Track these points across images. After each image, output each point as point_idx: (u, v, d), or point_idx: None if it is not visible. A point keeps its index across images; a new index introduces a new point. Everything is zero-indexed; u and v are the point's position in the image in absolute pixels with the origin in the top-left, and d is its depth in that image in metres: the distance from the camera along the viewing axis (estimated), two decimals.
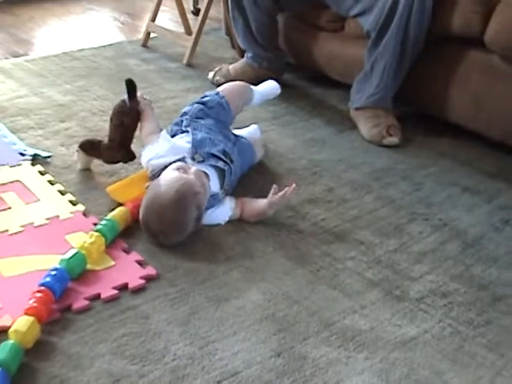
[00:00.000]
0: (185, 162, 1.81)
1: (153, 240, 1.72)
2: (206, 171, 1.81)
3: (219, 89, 2.17)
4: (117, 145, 1.94)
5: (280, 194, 1.81)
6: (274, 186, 1.83)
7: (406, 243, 1.80)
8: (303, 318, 1.51)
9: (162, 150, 1.84)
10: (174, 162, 1.80)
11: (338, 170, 2.16)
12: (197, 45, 3.00)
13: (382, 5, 2.28)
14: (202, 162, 1.83)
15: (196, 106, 2.04)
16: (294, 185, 1.83)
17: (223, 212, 1.83)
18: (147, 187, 1.77)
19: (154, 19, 3.17)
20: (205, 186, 1.74)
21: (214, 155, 1.85)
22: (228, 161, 1.87)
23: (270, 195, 1.82)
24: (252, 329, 1.46)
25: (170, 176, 1.73)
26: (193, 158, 1.83)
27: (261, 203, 1.85)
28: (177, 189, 1.68)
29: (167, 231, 1.70)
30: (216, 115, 2.02)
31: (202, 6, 3.01)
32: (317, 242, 1.78)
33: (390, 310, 1.55)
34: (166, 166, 1.79)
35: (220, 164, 1.85)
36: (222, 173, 1.85)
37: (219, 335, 1.44)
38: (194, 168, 1.76)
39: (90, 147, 2.00)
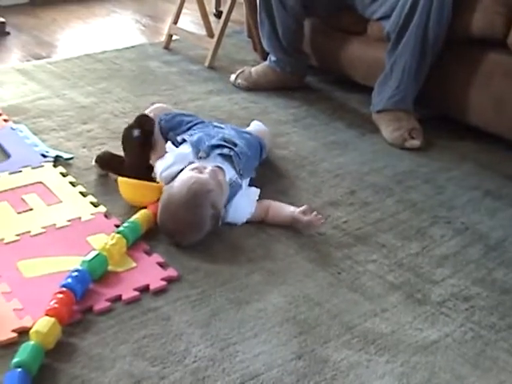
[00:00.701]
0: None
1: (170, 241, 1.73)
2: (220, 165, 1.81)
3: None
4: (136, 167, 1.94)
5: (306, 218, 1.79)
6: (306, 206, 1.82)
7: (427, 246, 1.79)
8: (324, 320, 1.50)
9: (169, 161, 1.85)
10: (185, 167, 1.80)
11: (359, 173, 2.16)
12: (219, 47, 3.00)
13: (401, 6, 2.28)
14: (208, 156, 1.83)
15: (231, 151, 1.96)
16: (321, 219, 1.82)
17: (248, 202, 1.83)
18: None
19: (176, 22, 3.18)
20: (221, 184, 1.75)
21: (215, 146, 1.86)
22: (231, 145, 1.87)
23: (298, 212, 1.81)
24: (273, 331, 1.46)
25: (183, 177, 1.75)
26: (199, 158, 1.83)
27: (286, 212, 1.84)
28: (189, 187, 1.69)
29: (183, 230, 1.71)
30: (196, 118, 2.07)
31: (224, 9, 3.01)
32: (338, 245, 1.78)
33: (411, 313, 1.54)
34: (177, 174, 1.79)
35: (225, 151, 1.85)
36: (230, 159, 1.85)
37: (240, 337, 1.44)
38: (209, 167, 1.76)
39: (105, 163, 2.00)
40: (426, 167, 2.21)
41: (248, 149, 1.95)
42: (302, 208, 1.82)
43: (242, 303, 1.54)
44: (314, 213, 1.81)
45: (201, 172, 1.74)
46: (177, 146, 1.92)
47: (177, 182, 1.74)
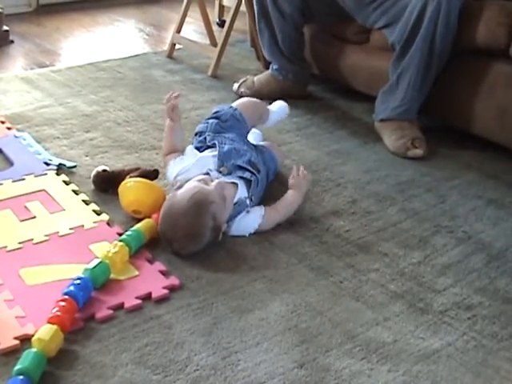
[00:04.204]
0: (210, 176, 1.81)
1: (170, 248, 1.73)
2: (236, 181, 1.82)
3: (233, 104, 2.18)
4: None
5: (294, 173, 1.93)
6: (293, 169, 1.96)
7: (430, 255, 1.79)
8: (326, 329, 1.50)
9: (188, 164, 1.86)
10: (202, 174, 1.81)
11: (362, 182, 2.16)
12: (222, 56, 3.01)
13: (407, 17, 2.27)
14: (229, 174, 1.84)
15: (211, 121, 2.03)
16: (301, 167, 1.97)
17: (253, 219, 1.83)
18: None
19: (179, 31, 3.19)
20: (225, 198, 1.74)
21: (240, 167, 1.86)
22: (255, 171, 1.88)
23: (291, 183, 1.93)
24: (275, 340, 1.46)
25: (188, 186, 1.74)
26: (219, 171, 1.84)
27: (286, 196, 1.91)
28: (191, 196, 1.69)
29: (181, 239, 1.70)
30: (232, 127, 2.02)
31: (228, 18, 3.02)
32: (340, 254, 1.78)
33: (413, 322, 1.54)
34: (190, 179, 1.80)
35: (247, 175, 1.86)
36: (249, 183, 1.86)
37: (242, 346, 1.44)
38: (216, 180, 1.76)
39: (100, 185, 2.00)
40: (429, 176, 2.21)
41: (266, 177, 1.97)
42: (290, 177, 1.95)
43: (244, 311, 1.54)
44: (300, 170, 1.96)
45: (206, 183, 1.74)
46: (201, 147, 1.93)
47: (180, 191, 1.74)
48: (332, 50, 2.74)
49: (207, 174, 1.82)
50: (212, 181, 1.76)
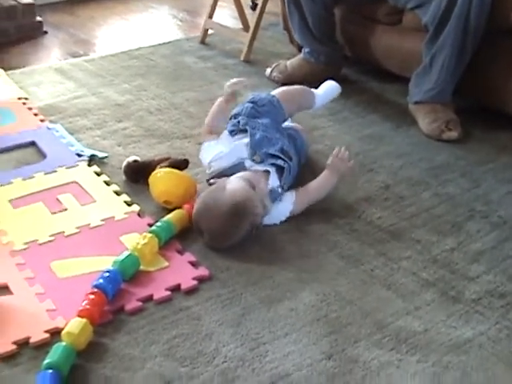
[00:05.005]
0: (244, 164, 1.81)
1: (200, 238, 1.73)
2: (268, 169, 1.82)
3: (273, 91, 2.16)
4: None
5: (334, 153, 1.90)
6: (334, 151, 1.92)
7: (463, 242, 1.76)
8: (356, 319, 1.49)
9: (222, 151, 1.85)
10: (235, 164, 1.81)
11: (395, 167, 2.12)
12: (254, 41, 2.98)
13: None
14: (262, 162, 1.83)
15: (247, 104, 2.03)
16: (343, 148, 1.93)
17: (284, 207, 1.82)
18: (210, 184, 1.80)
19: (211, 16, 3.17)
20: (266, 207, 1.74)
21: (272, 155, 1.85)
22: (287, 159, 1.87)
23: (328, 161, 1.90)
24: (304, 330, 1.45)
25: (236, 185, 1.71)
26: (252, 160, 1.83)
27: (320, 176, 1.89)
28: (236, 203, 1.67)
29: (213, 235, 1.70)
30: (268, 113, 2.01)
31: (259, 1, 2.99)
32: (372, 242, 1.76)
33: (445, 311, 1.51)
34: (225, 170, 1.81)
35: (279, 162, 1.85)
36: (281, 170, 1.85)
37: (270, 337, 1.43)
38: (262, 184, 1.75)
39: (131, 176, 2.00)
40: (464, 160, 2.17)
41: (298, 164, 1.95)
42: (329, 158, 1.90)
43: (274, 302, 1.53)
44: (341, 151, 1.91)
45: (253, 188, 1.72)
46: (233, 131, 1.93)
47: (229, 187, 1.71)
48: (364, 31, 2.69)
49: (241, 163, 1.82)
50: (259, 182, 1.75)
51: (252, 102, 2.04)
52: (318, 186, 1.89)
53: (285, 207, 1.82)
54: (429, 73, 2.34)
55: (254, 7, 3.67)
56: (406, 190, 2.00)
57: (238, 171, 1.80)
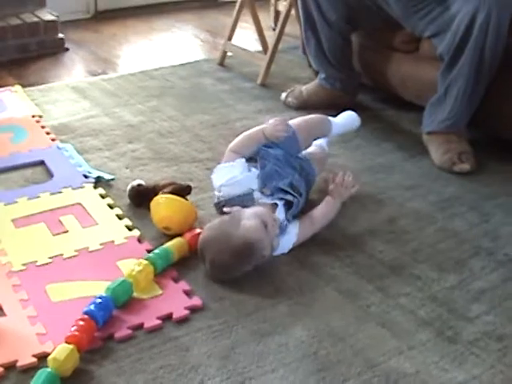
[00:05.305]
0: (253, 195, 1.79)
1: (201, 263, 1.72)
2: (276, 202, 1.80)
3: (291, 121, 2.15)
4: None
5: (337, 180, 1.89)
6: (331, 176, 1.91)
7: (465, 280, 1.72)
8: (347, 357, 1.46)
9: (236, 178, 1.82)
10: (244, 193, 1.79)
11: (403, 198, 2.10)
12: (271, 64, 2.98)
13: (456, 27, 2.19)
14: (271, 195, 1.81)
15: None
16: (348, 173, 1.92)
17: (288, 240, 1.81)
18: (221, 210, 1.78)
19: (230, 38, 3.18)
20: (273, 248, 1.73)
21: (281, 189, 1.83)
22: (296, 194, 1.85)
23: (330, 186, 1.89)
24: (292, 367, 1.43)
25: (251, 224, 1.67)
26: (261, 192, 1.81)
27: (323, 204, 1.88)
28: (249, 243, 1.64)
29: (215, 266, 1.68)
30: (282, 144, 1.95)
31: (278, 25, 2.99)
32: (371, 276, 1.73)
33: (439, 352, 1.48)
34: (233, 199, 1.78)
35: (288, 197, 1.82)
36: (289, 203, 1.83)
37: (258, 371, 1.41)
38: (275, 225, 1.72)
39: (135, 200, 2.00)
40: (474, 193, 2.13)
41: (306, 198, 1.92)
42: (331, 183, 1.89)
43: (264, 336, 1.51)
44: (346, 176, 1.91)
45: (266, 227, 1.68)
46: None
47: (243, 224, 1.67)
48: (380, 58, 2.67)
49: (250, 193, 1.79)
50: (274, 222, 1.72)
51: None
52: (321, 215, 1.87)
53: (288, 240, 1.81)
54: (443, 103, 2.31)
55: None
56: (411, 223, 1.97)
57: (247, 201, 1.77)
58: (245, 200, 1.78)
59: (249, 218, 1.69)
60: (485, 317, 1.59)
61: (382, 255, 1.82)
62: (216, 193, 1.85)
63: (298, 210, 1.87)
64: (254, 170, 1.85)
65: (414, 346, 1.49)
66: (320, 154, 2.16)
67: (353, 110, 2.27)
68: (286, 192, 1.83)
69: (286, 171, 1.88)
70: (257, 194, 1.80)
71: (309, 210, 1.89)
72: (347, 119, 2.26)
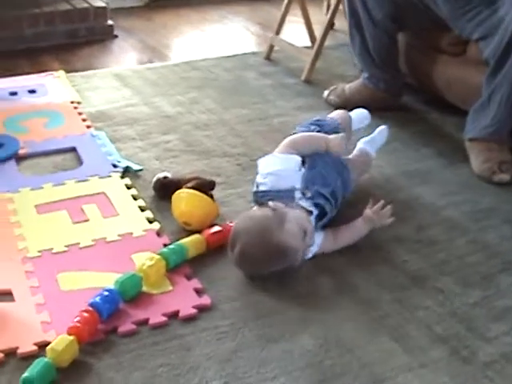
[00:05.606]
0: (294, 195, 1.72)
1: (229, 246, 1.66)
2: (312, 210, 1.74)
3: (333, 114, 2.10)
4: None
5: (375, 208, 1.80)
6: (371, 200, 1.82)
7: (490, 296, 1.64)
8: (352, 369, 1.40)
9: (286, 171, 1.76)
10: (286, 190, 1.72)
11: (436, 207, 2.02)
12: (316, 60, 2.92)
13: (503, 31, 2.10)
14: (311, 198, 1.75)
15: (313, 127, 1.96)
16: (389, 206, 1.82)
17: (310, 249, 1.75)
18: (261, 203, 1.72)
19: (278, 32, 3.13)
20: (303, 259, 1.68)
21: (322, 195, 1.76)
22: (333, 203, 1.78)
23: (366, 210, 1.80)
24: (293, 375, 1.38)
25: (294, 231, 1.62)
26: (303, 193, 1.74)
27: (352, 225, 1.80)
28: (286, 249, 1.60)
29: (243, 256, 1.62)
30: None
31: (324, 21, 2.93)
32: (391, 286, 1.66)
33: (451, 372, 1.41)
34: (276, 190, 1.72)
35: (326, 206, 1.76)
36: (323, 211, 1.77)
37: (257, 378, 1.37)
38: (313, 236, 1.68)
39: (159, 192, 1.98)
40: (510, 205, 2.04)
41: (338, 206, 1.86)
42: (369, 208, 1.81)
43: (270, 341, 1.47)
44: (385, 209, 1.81)
45: (305, 235, 1.64)
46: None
47: (287, 226, 1.61)
48: (426, 59, 2.59)
49: (291, 190, 1.73)
50: (311, 231, 1.67)
51: (318, 126, 1.96)
52: (346, 236, 1.79)
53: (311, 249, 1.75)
54: (486, 109, 2.22)
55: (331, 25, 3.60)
56: (441, 233, 1.89)
57: (287, 198, 1.71)
58: (284, 197, 1.72)
59: (292, 222, 1.64)
60: (504, 338, 1.51)
61: (406, 265, 1.75)
62: (258, 179, 1.78)
63: (328, 221, 1.81)
64: (303, 169, 1.80)
65: (425, 363, 1.43)
66: (362, 158, 2.10)
67: (395, 110, 2.20)
68: (326, 199, 1.77)
69: (330, 177, 1.81)
70: (298, 194, 1.74)
71: (334, 221, 1.82)
72: (359, 116, 2.21)
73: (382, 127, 2.20)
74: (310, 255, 1.74)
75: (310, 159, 1.82)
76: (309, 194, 1.74)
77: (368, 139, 2.14)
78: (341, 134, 1.89)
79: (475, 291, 1.66)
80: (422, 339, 1.50)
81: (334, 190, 1.80)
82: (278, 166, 1.77)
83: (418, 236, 1.88)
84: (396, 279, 1.69)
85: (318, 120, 2.01)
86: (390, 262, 1.76)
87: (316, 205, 1.75)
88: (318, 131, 1.93)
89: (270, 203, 1.68)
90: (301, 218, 1.67)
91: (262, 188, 1.75)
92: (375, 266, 1.74)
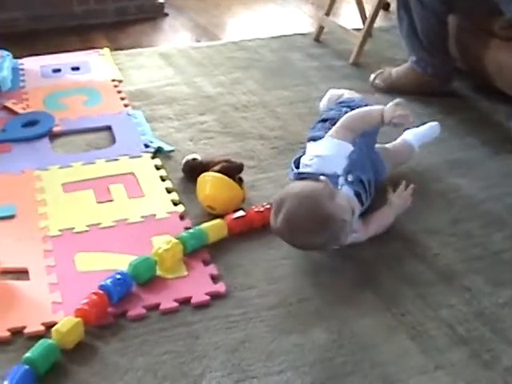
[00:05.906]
0: (338, 180, 1.66)
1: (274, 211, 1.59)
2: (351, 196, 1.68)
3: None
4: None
5: (398, 191, 1.76)
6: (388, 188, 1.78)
7: None
8: (363, 368, 1.34)
9: (335, 157, 1.70)
10: (330, 175, 1.64)
11: (475, 199, 1.92)
12: (365, 43, 2.82)
13: None
14: (351, 183, 1.68)
15: (344, 109, 1.88)
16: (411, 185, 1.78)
17: None
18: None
19: (328, 13, 3.04)
20: (345, 238, 1.61)
21: (362, 182, 1.71)
22: (368, 193, 1.73)
23: (392, 197, 1.76)
24: (301, 371, 1.33)
25: (345, 206, 1.58)
26: (345, 179, 1.68)
27: (380, 213, 1.74)
28: (334, 217, 1.53)
29: (287, 223, 1.54)
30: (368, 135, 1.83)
31: (373, 2, 2.82)
32: (416, 281, 1.59)
33: (468, 376, 1.33)
34: (316, 175, 1.64)
35: (363, 195, 1.70)
36: (359, 200, 1.70)
37: (263, 371, 1.33)
38: (356, 219, 1.64)
39: (188, 174, 1.95)
40: None
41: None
42: (394, 194, 1.77)
43: (281, 333, 1.42)
44: (408, 189, 1.78)
45: (353, 212, 1.60)
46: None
47: (337, 199, 1.56)
48: (478, 42, 2.46)
49: (334, 175, 1.66)
50: (358, 210, 1.64)
51: (349, 107, 1.88)
52: (376, 225, 1.72)
53: None
54: None
55: (385, 7, 3.50)
56: (477, 227, 1.80)
57: (331, 183, 1.63)
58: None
59: (343, 199, 1.59)
60: None
61: (436, 259, 1.67)
62: (304, 160, 1.73)
63: (362, 211, 1.74)
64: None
65: (441, 365, 1.35)
66: (403, 149, 2.02)
67: (442, 96, 2.08)
68: (364, 188, 1.71)
69: (367, 164, 1.75)
70: (340, 180, 1.67)
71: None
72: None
73: (435, 123, 2.10)
74: (348, 241, 1.66)
75: (359, 141, 1.75)
76: (351, 179, 1.68)
77: (416, 132, 2.05)
78: (396, 100, 1.80)
79: (506, 291, 1.57)
80: (442, 339, 1.42)
81: (371, 179, 1.74)
82: (329, 151, 1.72)
83: (451, 229, 1.79)
84: (423, 274, 1.62)
85: (345, 100, 1.94)
86: (419, 256, 1.68)
87: (356, 193, 1.69)
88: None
89: (322, 177, 1.61)
90: (350, 198, 1.63)
91: (306, 169, 1.70)
92: (403, 259, 1.67)
